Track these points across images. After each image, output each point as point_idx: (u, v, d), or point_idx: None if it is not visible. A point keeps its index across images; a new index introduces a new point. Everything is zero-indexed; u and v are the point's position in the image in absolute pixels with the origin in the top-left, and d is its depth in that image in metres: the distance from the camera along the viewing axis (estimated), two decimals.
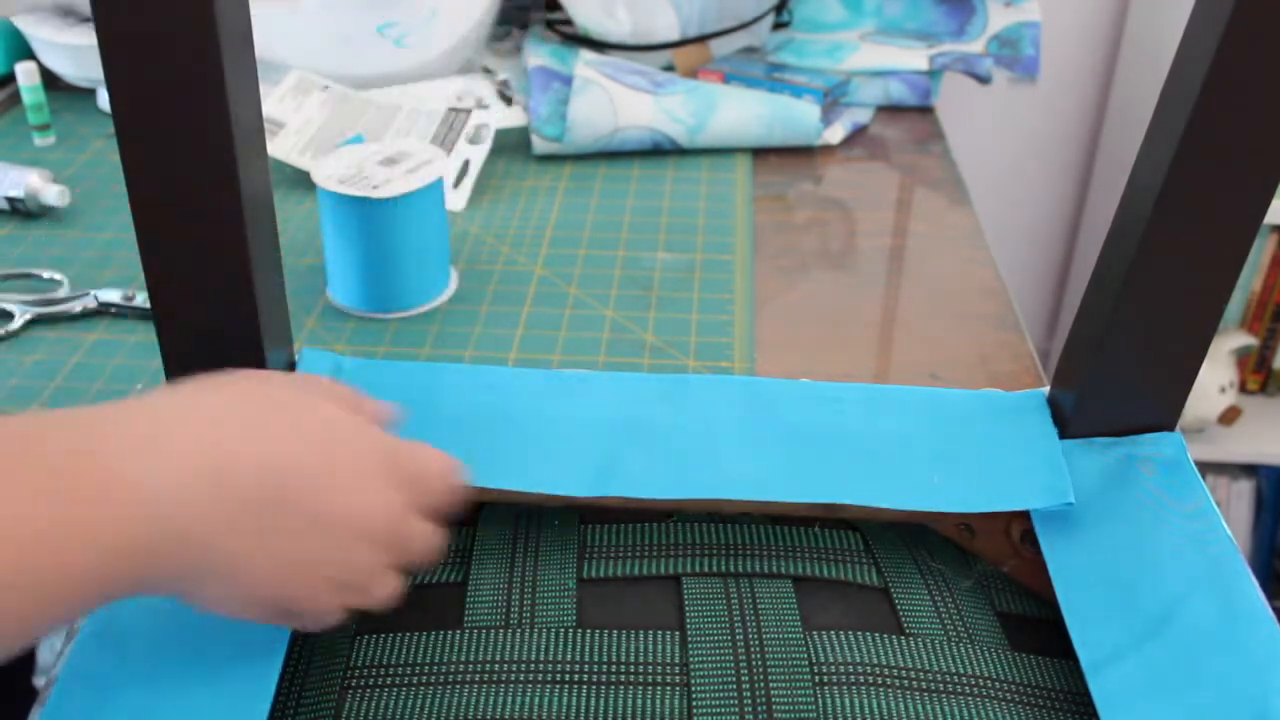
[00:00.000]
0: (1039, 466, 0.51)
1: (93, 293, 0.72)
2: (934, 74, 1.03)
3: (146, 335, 0.70)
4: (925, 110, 1.05)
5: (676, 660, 0.46)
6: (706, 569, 0.50)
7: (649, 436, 0.52)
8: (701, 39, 1.04)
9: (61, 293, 0.72)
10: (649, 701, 0.44)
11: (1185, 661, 0.43)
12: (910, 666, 0.45)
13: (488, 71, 1.03)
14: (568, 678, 0.45)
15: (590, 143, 0.92)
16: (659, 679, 0.45)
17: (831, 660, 0.45)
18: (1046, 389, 0.55)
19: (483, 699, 0.44)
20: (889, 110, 1.05)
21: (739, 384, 0.55)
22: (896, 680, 0.45)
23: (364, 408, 0.44)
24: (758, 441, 0.52)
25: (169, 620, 0.44)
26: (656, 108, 0.93)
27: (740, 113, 0.94)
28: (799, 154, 0.96)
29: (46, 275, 0.75)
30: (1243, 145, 0.44)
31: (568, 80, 0.95)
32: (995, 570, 0.53)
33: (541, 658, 0.45)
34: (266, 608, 0.38)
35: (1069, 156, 1.51)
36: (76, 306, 0.71)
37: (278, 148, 0.87)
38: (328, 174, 0.70)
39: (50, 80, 1.02)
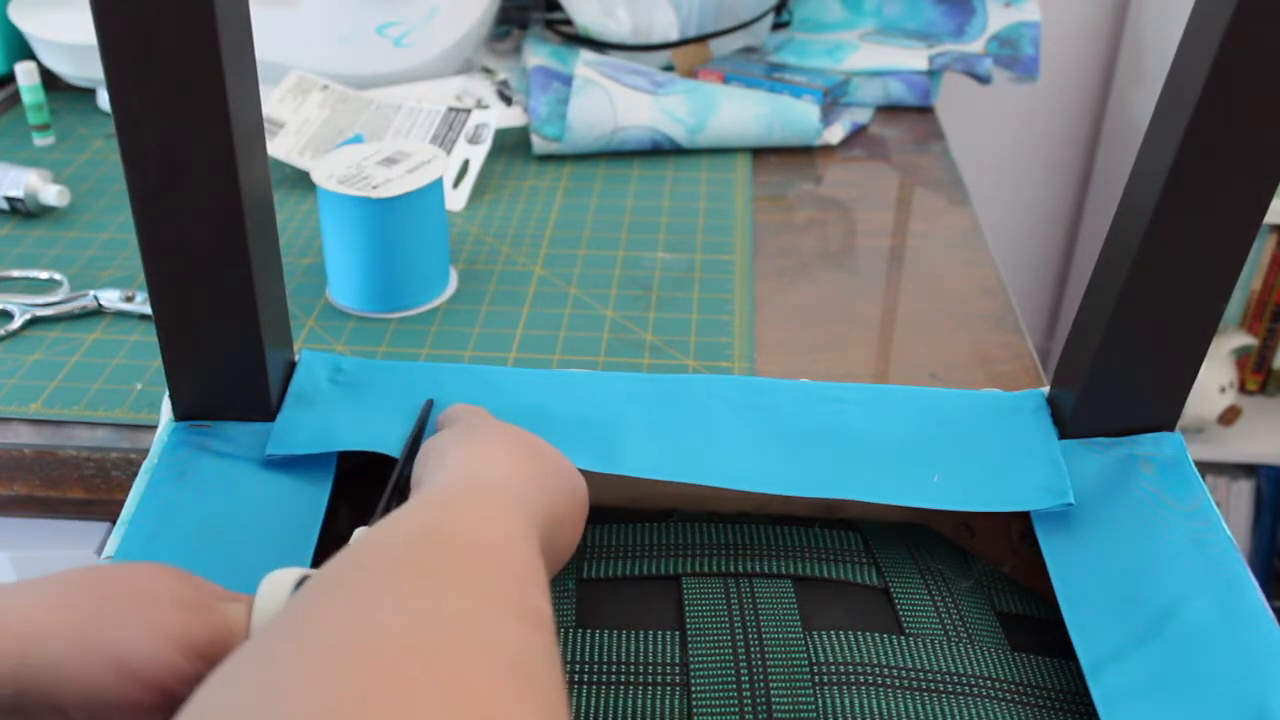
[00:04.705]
0: (1039, 466, 0.51)
1: (93, 293, 0.72)
2: (934, 74, 1.03)
3: (146, 335, 0.70)
4: (925, 110, 1.05)
5: (676, 660, 0.46)
6: (706, 569, 0.50)
7: (649, 433, 0.52)
8: (701, 39, 1.04)
9: (61, 293, 0.72)
10: (649, 701, 0.44)
11: (1185, 661, 0.43)
12: (910, 666, 0.45)
13: (488, 71, 1.03)
14: (568, 678, 0.45)
15: (590, 143, 0.92)
16: (659, 679, 0.45)
17: (831, 660, 0.45)
18: (1046, 389, 0.55)
19: None
20: (889, 110, 1.05)
21: (739, 384, 0.55)
22: (896, 680, 0.45)
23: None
24: (758, 440, 0.52)
25: None
26: (656, 108, 0.93)
27: (740, 113, 0.94)
28: (799, 154, 0.96)
29: (46, 275, 0.75)
30: (1243, 145, 0.44)
31: (568, 80, 0.95)
32: (995, 570, 0.53)
33: None
34: None
35: (1069, 156, 1.52)
36: (76, 306, 0.71)
37: (278, 148, 0.87)
38: (328, 174, 0.70)
39: (50, 80, 1.02)
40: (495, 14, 1.03)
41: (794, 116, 0.94)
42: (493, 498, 0.37)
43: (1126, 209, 0.48)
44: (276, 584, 0.38)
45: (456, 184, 0.87)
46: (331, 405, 0.54)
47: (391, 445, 0.51)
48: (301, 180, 0.88)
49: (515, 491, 0.39)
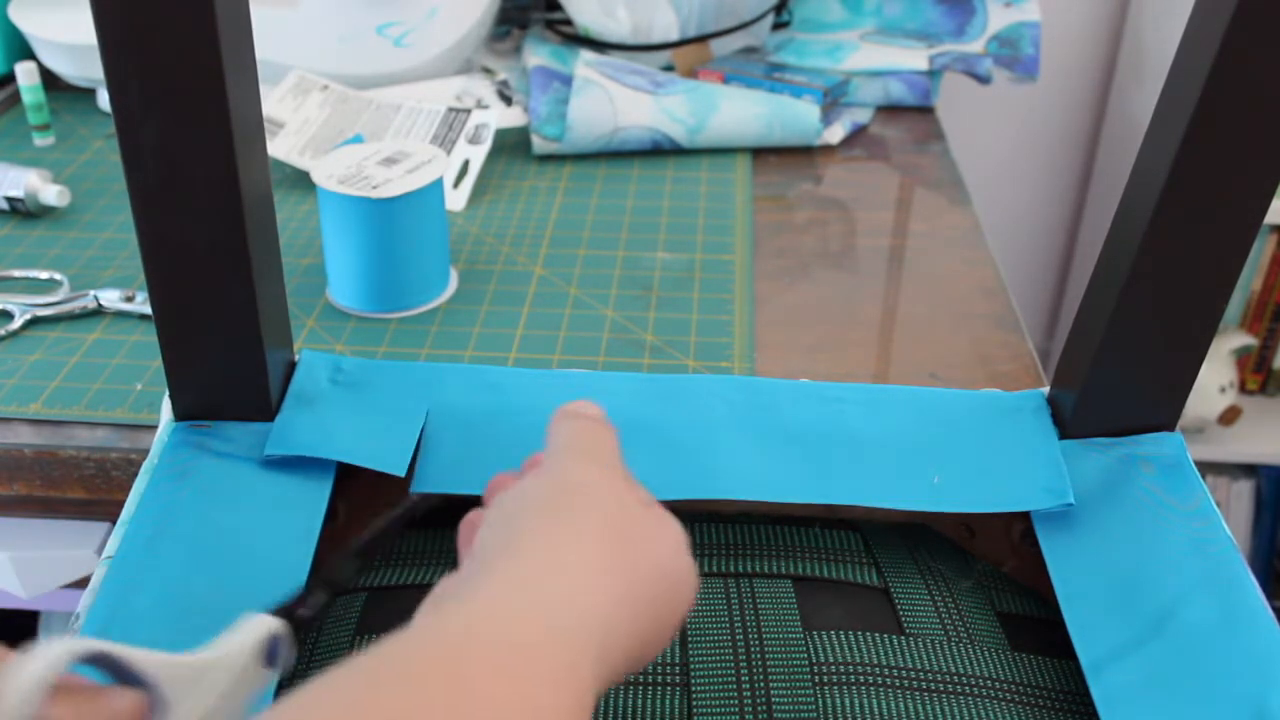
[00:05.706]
0: (1039, 467, 0.51)
1: (93, 293, 0.72)
2: (934, 74, 1.03)
3: (146, 335, 0.70)
4: (925, 110, 1.05)
5: (676, 660, 0.46)
6: (706, 569, 0.50)
7: (649, 437, 0.52)
8: (701, 39, 1.04)
9: (61, 293, 0.72)
10: (649, 701, 0.44)
11: (1185, 661, 0.43)
12: (910, 666, 0.45)
13: (488, 71, 1.03)
14: None
15: (590, 143, 0.92)
16: (659, 679, 0.45)
17: (831, 660, 0.45)
18: (1046, 389, 0.55)
19: None
20: (889, 110, 1.05)
21: (739, 384, 0.55)
22: (896, 680, 0.45)
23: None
24: (758, 441, 0.52)
25: (168, 627, 0.44)
26: (656, 108, 0.93)
27: (740, 113, 0.94)
28: (799, 154, 0.96)
29: (46, 275, 0.75)
30: (1243, 145, 0.44)
31: (568, 80, 0.95)
32: (995, 570, 0.53)
33: None
34: None
35: (1069, 156, 1.52)
36: (76, 306, 0.71)
37: (278, 148, 0.87)
38: (328, 174, 0.70)
39: (50, 80, 1.02)
40: (495, 14, 1.03)
41: (794, 116, 0.94)
42: (547, 651, 0.28)
43: (1126, 209, 0.48)
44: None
45: (456, 184, 0.87)
46: (332, 406, 0.54)
47: (390, 462, 0.51)
48: (301, 180, 0.88)
49: (589, 630, 0.30)
